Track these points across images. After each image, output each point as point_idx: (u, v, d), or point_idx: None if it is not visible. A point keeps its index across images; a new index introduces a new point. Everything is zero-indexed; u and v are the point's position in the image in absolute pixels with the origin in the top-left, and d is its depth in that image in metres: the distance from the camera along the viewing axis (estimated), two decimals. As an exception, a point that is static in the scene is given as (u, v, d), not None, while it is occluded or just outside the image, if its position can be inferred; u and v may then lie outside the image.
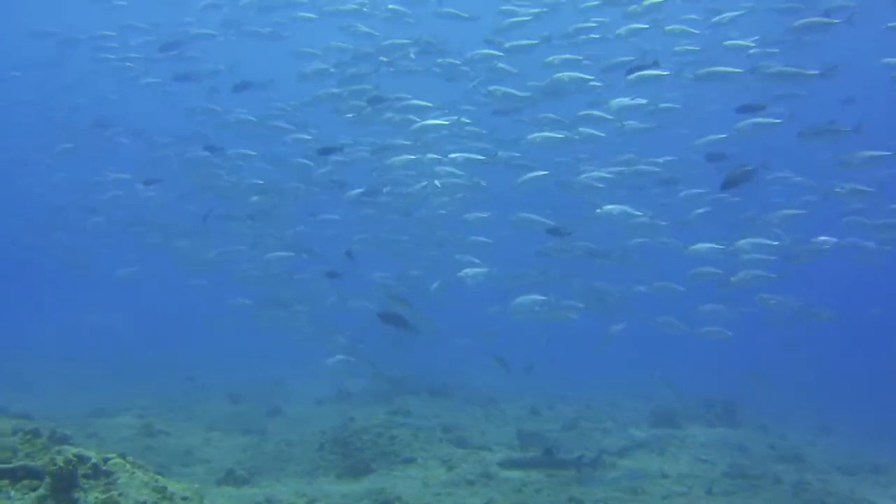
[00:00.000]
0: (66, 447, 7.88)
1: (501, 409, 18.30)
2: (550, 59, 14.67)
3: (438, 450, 13.07)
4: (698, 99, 17.47)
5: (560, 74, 14.33)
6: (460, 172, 14.73)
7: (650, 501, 10.92)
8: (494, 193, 16.04)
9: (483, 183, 15.09)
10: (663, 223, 14.97)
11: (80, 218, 22.22)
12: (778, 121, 13.05)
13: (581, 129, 14.28)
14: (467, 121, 15.29)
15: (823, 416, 21.39)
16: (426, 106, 14.64)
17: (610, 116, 14.06)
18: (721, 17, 15.10)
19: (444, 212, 16.84)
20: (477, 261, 16.02)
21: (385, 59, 15.88)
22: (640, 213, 14.16)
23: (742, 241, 13.28)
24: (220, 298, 20.99)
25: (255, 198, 16.62)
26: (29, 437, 9.23)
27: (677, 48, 15.51)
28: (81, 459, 7.67)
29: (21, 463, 7.91)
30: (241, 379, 22.34)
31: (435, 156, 14.64)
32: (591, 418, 17.68)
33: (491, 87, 14.91)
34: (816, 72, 12.60)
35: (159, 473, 9.21)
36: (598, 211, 13.70)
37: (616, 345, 18.06)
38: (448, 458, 12.41)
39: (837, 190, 13.51)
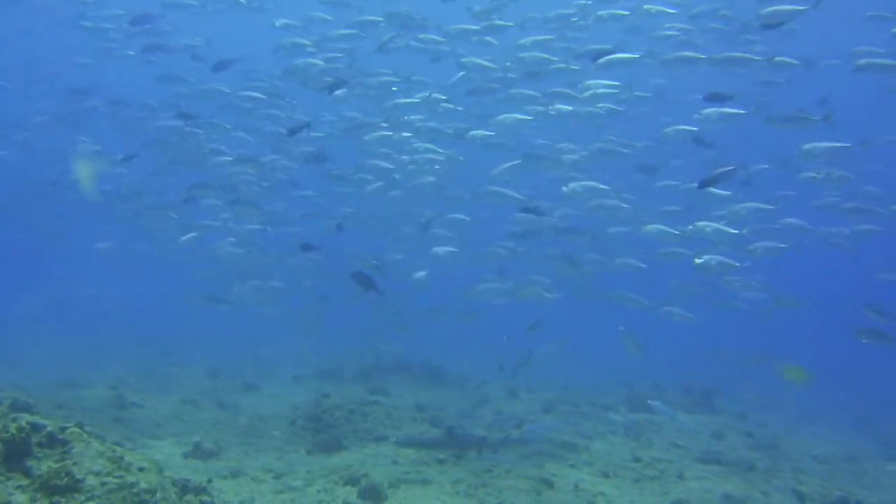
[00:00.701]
0: (21, 415, 7.74)
1: (482, 392, 18.22)
2: (523, 41, 14.51)
3: (411, 428, 13.04)
4: (685, 85, 17.19)
5: (526, 54, 14.20)
6: (440, 150, 14.60)
7: (621, 485, 10.86)
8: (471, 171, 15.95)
9: (460, 158, 14.97)
10: (626, 206, 14.67)
11: (57, 190, 21.83)
12: (742, 111, 12.90)
13: (554, 106, 14.04)
14: (443, 97, 14.98)
15: (809, 404, 21.34)
16: (394, 81, 14.52)
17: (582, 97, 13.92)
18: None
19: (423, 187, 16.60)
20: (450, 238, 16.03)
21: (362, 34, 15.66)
22: (606, 189, 14.00)
23: (702, 224, 13.04)
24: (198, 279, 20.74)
25: (232, 169, 16.25)
26: (-13, 404, 9.10)
27: (656, 33, 15.26)
28: (35, 428, 7.53)
29: (-27, 430, 7.76)
30: (221, 355, 22.25)
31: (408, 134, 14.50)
32: (570, 401, 17.63)
33: (464, 59, 14.67)
34: (760, 58, 12.63)
35: (121, 444, 9.09)
36: (565, 189, 13.52)
37: (602, 328, 18.04)
38: (420, 437, 12.34)
39: (814, 175, 13.32)
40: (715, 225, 12.90)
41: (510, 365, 16.14)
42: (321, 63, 15.03)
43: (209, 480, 9.15)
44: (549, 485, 10.37)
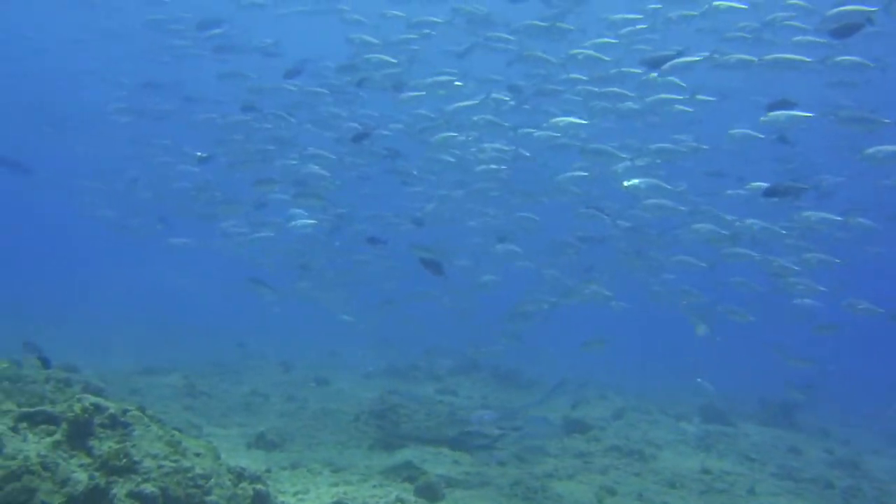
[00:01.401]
0: (86, 395, 7.95)
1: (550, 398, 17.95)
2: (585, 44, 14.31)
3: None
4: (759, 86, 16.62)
5: (576, 51, 13.94)
6: (507, 147, 14.47)
7: (687, 497, 10.49)
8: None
9: (527, 153, 14.81)
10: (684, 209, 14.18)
11: (133, 186, 22.47)
12: (809, 114, 12.35)
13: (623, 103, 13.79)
14: (507, 98, 14.81)
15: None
16: (454, 83, 14.48)
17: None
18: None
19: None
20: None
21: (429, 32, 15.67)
22: (667, 187, 13.55)
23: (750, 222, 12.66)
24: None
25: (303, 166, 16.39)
26: (60, 385, 9.41)
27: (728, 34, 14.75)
28: (98, 409, 7.72)
29: (41, 408, 8.01)
30: (297, 349, 22.64)
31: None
32: (642, 409, 17.20)
33: (526, 53, 14.46)
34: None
35: (185, 431, 9.27)
36: (626, 184, 13.15)
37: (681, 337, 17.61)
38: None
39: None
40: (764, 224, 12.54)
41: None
42: (386, 59, 15.03)
43: (267, 470, 9.27)
44: (612, 492, 10.10)
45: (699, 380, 13.01)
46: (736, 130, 13.34)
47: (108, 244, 33.23)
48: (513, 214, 17.11)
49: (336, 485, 8.96)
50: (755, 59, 12.56)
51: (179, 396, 13.96)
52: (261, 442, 11.15)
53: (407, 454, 11.21)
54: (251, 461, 9.91)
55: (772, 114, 12.18)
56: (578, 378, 19.69)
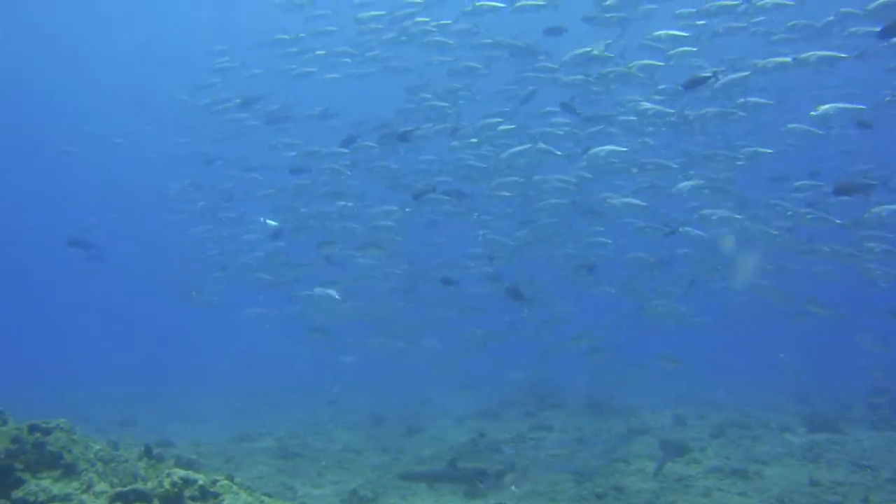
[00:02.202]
0: (175, 470, 8.11)
1: (643, 420, 17.47)
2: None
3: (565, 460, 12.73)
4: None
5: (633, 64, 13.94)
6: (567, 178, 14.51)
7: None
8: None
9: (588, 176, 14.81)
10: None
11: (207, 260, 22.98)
12: (862, 106, 11.99)
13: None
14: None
15: None
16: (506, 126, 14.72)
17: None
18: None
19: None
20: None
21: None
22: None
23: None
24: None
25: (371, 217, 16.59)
26: (153, 462, 9.63)
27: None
28: (187, 482, 7.87)
29: (133, 486, 8.22)
30: (387, 399, 22.68)
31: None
32: (742, 424, 16.53)
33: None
34: None
35: (277, 495, 9.35)
36: (675, 189, 12.98)
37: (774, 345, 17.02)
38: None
39: None
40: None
41: None
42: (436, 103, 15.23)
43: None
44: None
45: (782, 356, 12.50)
46: (795, 125, 13.05)
47: (190, 318, 34.25)
48: (584, 240, 16.96)
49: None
50: (789, 59, 12.36)
51: (273, 459, 14.14)
52: (353, 498, 11.15)
53: (500, 497, 11.08)
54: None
55: (821, 108, 11.84)
56: (674, 396, 19.19)
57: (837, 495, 10.65)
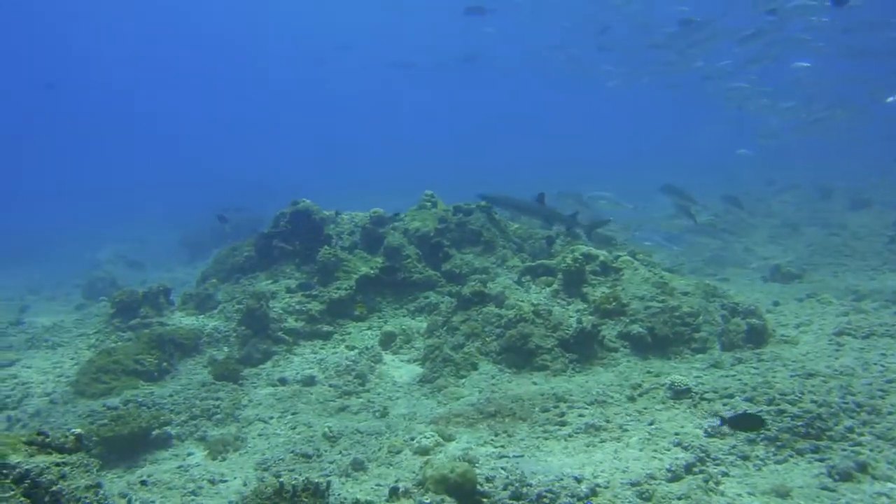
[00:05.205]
0: (578, 247, 8.61)
1: None
2: None
3: None
4: None
5: None
6: None
7: None
8: None
9: None
10: None
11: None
12: None
13: None
14: None
15: None
16: None
17: None
18: None
19: None
20: None
21: None
22: None
23: None
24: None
25: None
26: (568, 239, 10.26)
27: None
28: (588, 258, 8.35)
29: (540, 261, 8.94)
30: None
31: None
32: None
33: None
34: None
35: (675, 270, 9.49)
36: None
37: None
38: None
39: None
40: None
41: None
42: None
43: (775, 304, 8.97)
44: None
45: None
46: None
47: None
48: None
49: (846, 314, 8.17)
50: None
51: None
52: (776, 274, 10.75)
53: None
54: (764, 294, 9.66)
55: None
56: None
57: None
